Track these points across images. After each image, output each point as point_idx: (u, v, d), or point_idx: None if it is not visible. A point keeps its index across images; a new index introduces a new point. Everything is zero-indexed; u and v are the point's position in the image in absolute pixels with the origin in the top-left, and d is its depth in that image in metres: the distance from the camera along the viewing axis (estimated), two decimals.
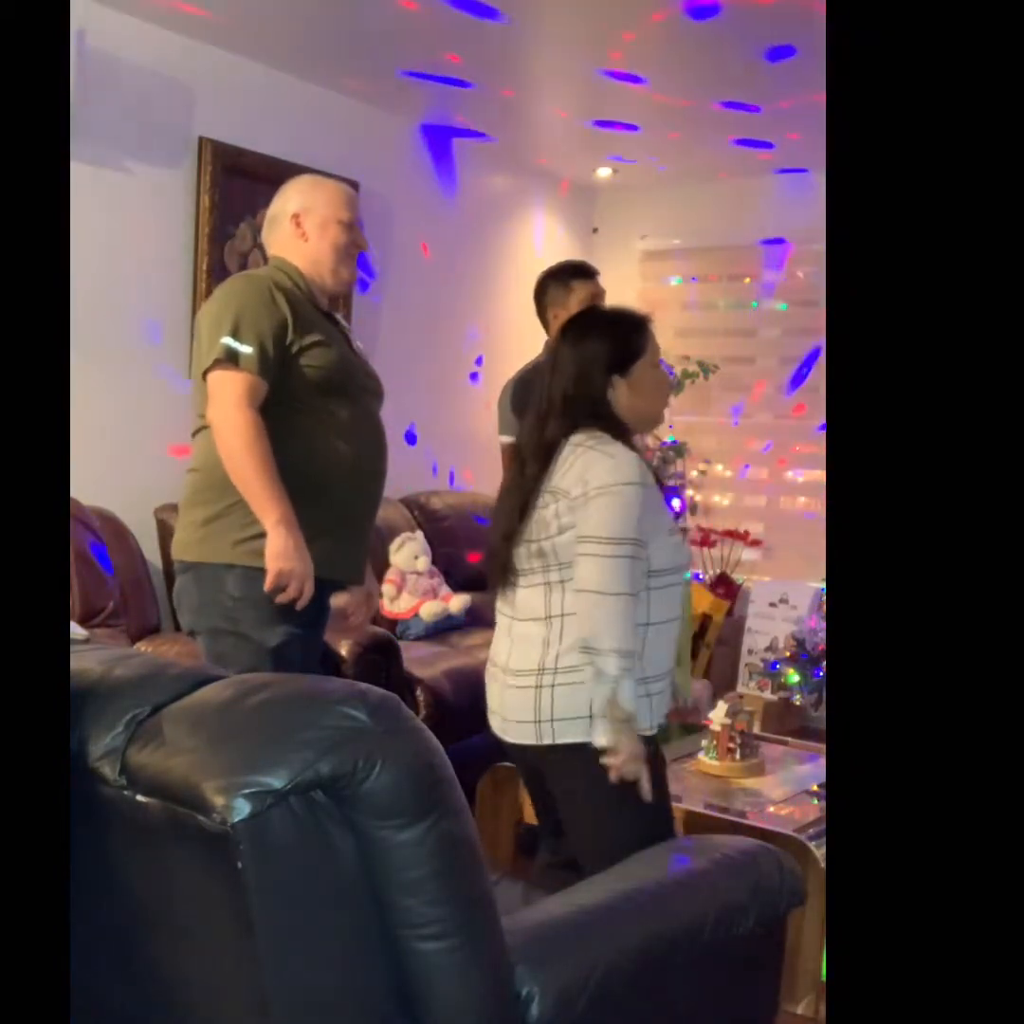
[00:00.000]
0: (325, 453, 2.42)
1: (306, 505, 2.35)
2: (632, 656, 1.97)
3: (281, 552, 2.27)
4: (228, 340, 2.33)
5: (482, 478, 4.86)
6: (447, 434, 5.01)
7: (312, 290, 2.52)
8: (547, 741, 2.07)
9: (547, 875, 2.25)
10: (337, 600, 2.62)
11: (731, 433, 5.32)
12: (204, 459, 2.42)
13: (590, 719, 1.99)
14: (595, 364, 2.11)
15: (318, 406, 2.43)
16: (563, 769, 2.09)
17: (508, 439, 3.29)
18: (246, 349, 2.32)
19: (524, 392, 3.36)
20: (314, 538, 2.36)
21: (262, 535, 2.30)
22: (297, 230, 2.52)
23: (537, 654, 2.08)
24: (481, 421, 5.04)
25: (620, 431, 2.11)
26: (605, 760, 1.95)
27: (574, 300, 3.44)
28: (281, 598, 2.30)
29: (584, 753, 1.99)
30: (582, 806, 2.11)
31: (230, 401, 2.32)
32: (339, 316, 2.64)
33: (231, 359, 2.32)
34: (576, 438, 2.09)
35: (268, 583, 2.28)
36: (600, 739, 1.95)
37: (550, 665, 2.07)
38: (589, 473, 2.04)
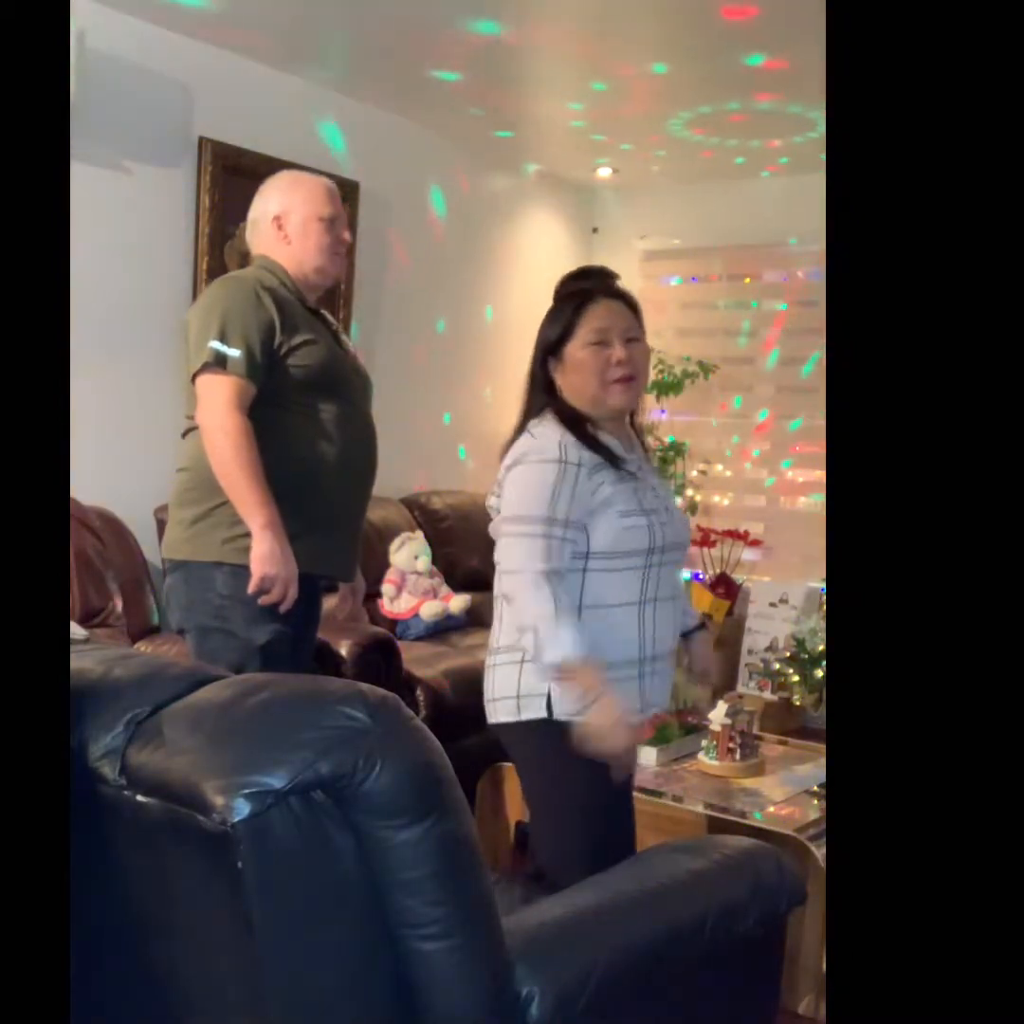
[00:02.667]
0: (314, 451, 2.43)
1: (295, 502, 2.36)
2: (550, 634, 1.91)
3: (266, 556, 2.29)
4: (215, 343, 2.33)
5: (481, 476, 4.86)
6: (447, 433, 5.01)
7: (300, 288, 2.52)
8: (491, 720, 2.12)
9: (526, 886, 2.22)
10: (327, 602, 2.64)
11: (731, 433, 5.32)
12: (193, 459, 2.43)
13: (517, 699, 2.04)
14: (536, 349, 2.15)
15: (307, 404, 2.43)
16: (508, 747, 2.16)
17: None
18: (233, 352, 2.33)
19: None
20: (303, 535, 2.37)
21: (251, 533, 2.32)
22: (279, 233, 2.52)
23: (493, 635, 2.15)
24: (481, 420, 5.05)
25: (568, 415, 2.09)
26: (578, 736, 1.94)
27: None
28: (264, 600, 2.33)
29: (515, 731, 2.06)
30: (524, 785, 2.18)
31: (218, 404, 2.33)
32: (327, 313, 2.64)
33: (219, 362, 2.33)
34: (530, 424, 2.13)
35: (251, 586, 2.31)
36: (563, 715, 1.99)
37: (493, 644, 2.13)
38: (511, 454, 2.08)
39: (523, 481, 2.02)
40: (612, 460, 2.07)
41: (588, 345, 2.08)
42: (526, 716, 2.04)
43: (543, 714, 2.02)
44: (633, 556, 2.04)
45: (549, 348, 2.12)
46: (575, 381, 2.10)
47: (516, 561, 1.98)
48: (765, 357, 5.28)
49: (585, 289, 2.13)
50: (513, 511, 2.01)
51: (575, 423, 2.09)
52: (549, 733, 2.01)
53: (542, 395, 2.13)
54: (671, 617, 2.13)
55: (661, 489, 2.19)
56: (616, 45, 3.63)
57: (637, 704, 2.06)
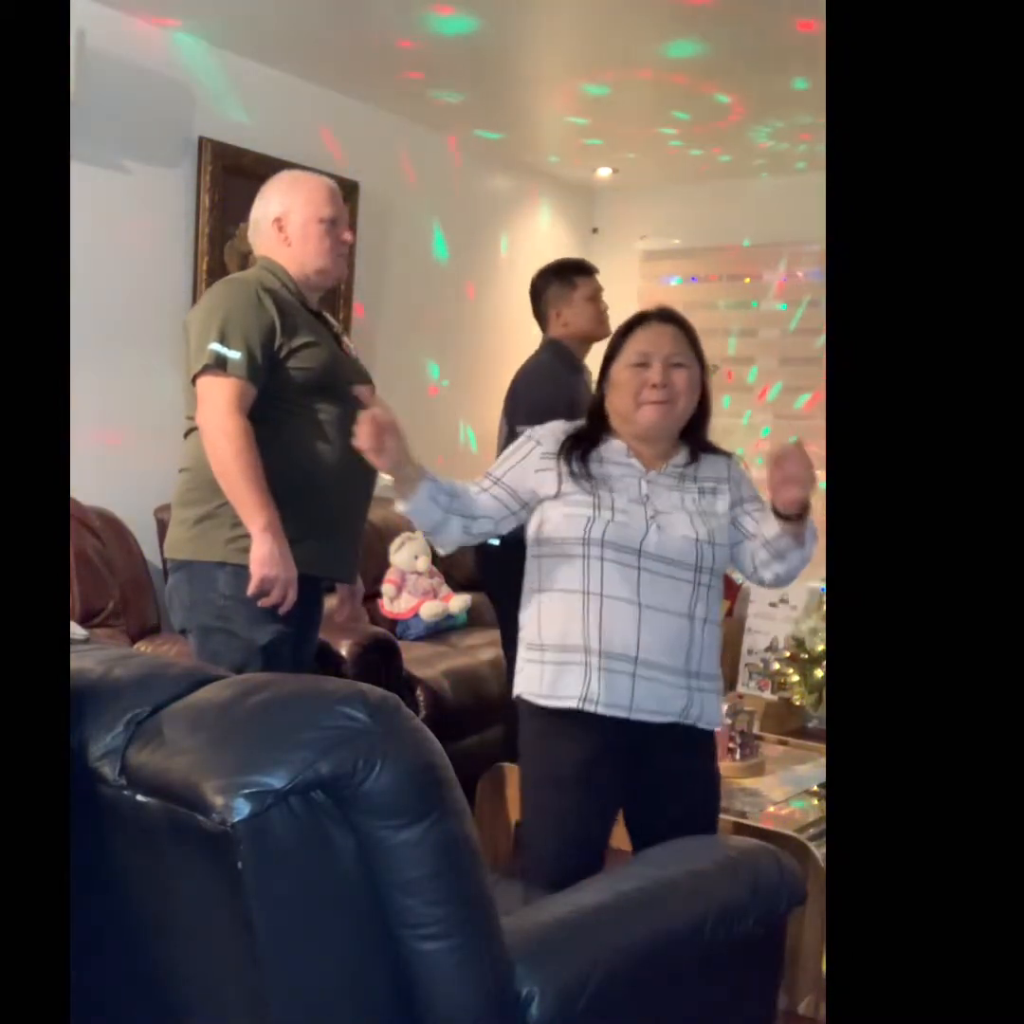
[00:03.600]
0: (314, 453, 2.43)
1: (296, 505, 2.37)
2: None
3: (266, 558, 2.29)
4: (216, 346, 2.33)
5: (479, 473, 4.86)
6: (448, 433, 5.01)
7: (301, 290, 2.52)
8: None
9: None
10: (328, 603, 2.64)
11: (731, 433, 5.31)
12: (195, 459, 2.43)
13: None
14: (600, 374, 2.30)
15: (308, 406, 2.43)
16: None
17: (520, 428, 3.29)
18: (234, 354, 2.33)
19: (533, 391, 3.37)
20: (304, 537, 2.37)
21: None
22: (280, 234, 2.52)
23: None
24: (481, 420, 5.05)
25: (594, 423, 2.25)
26: None
27: (579, 297, 3.45)
28: (264, 602, 2.33)
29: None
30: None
31: (219, 407, 2.33)
32: (328, 315, 2.64)
33: (219, 364, 2.33)
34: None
35: (251, 588, 2.31)
36: (521, 693, 2.22)
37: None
38: None
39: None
40: (574, 461, 2.18)
41: (629, 366, 2.20)
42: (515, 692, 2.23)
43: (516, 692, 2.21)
44: (566, 544, 2.13)
45: (603, 372, 2.26)
46: (614, 400, 2.22)
47: None
48: (765, 357, 5.28)
49: (640, 314, 2.26)
50: None
51: (594, 431, 2.24)
52: (520, 711, 2.22)
53: (593, 408, 2.28)
54: (632, 620, 2.11)
55: (666, 503, 2.17)
56: (617, 45, 3.63)
57: (578, 691, 2.10)
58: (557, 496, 2.15)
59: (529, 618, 2.22)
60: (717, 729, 2.26)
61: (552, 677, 2.14)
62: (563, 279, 3.47)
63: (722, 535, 2.18)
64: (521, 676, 2.21)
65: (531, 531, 2.22)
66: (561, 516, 2.14)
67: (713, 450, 2.33)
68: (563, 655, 2.13)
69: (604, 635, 2.10)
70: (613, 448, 2.21)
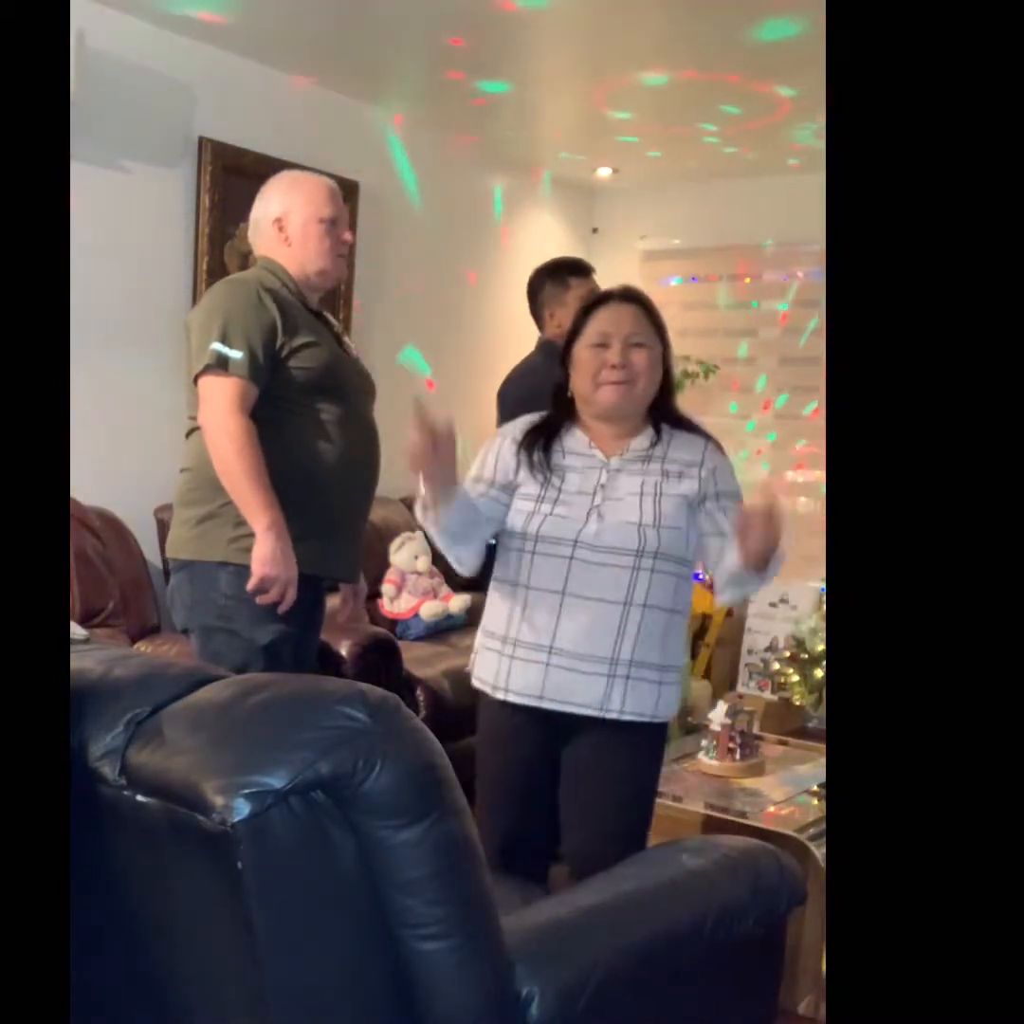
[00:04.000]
0: (316, 452, 2.43)
1: (297, 504, 2.37)
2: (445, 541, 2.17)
3: (267, 557, 2.29)
4: (217, 345, 2.33)
5: None
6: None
7: (301, 290, 2.52)
8: None
9: None
10: (329, 603, 2.64)
11: (731, 433, 5.31)
12: (197, 459, 2.43)
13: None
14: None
15: (309, 406, 2.43)
16: None
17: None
18: (235, 354, 2.33)
19: (516, 389, 3.37)
20: (305, 536, 2.37)
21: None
22: (280, 234, 2.52)
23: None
24: (481, 419, 5.05)
25: (558, 409, 2.27)
26: None
27: (572, 297, 3.44)
28: (262, 599, 2.33)
29: None
30: None
31: (221, 406, 2.33)
32: (329, 315, 2.64)
33: (220, 364, 2.33)
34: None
35: (250, 586, 2.31)
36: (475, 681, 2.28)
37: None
38: None
39: None
40: (534, 454, 2.20)
41: (589, 346, 2.19)
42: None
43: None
44: (521, 539, 2.16)
45: (564, 351, 2.25)
46: (575, 379, 2.23)
47: None
48: (765, 357, 5.28)
49: (603, 294, 2.26)
50: None
51: (559, 416, 2.26)
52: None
53: (558, 396, 2.28)
54: (552, 610, 2.11)
55: (622, 489, 2.14)
56: (617, 46, 3.63)
57: (491, 678, 2.19)
58: (516, 490, 2.20)
59: (486, 605, 2.28)
60: (665, 720, 2.18)
61: (481, 662, 2.24)
62: (557, 279, 3.47)
63: (675, 519, 2.12)
64: (474, 658, 2.30)
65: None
66: (514, 511, 2.18)
67: (688, 427, 2.26)
68: (489, 641, 2.22)
69: (524, 625, 2.14)
70: (576, 439, 2.22)
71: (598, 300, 2.25)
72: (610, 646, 2.11)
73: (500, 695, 2.17)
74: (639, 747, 2.17)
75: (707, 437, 2.25)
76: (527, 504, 2.17)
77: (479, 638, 2.28)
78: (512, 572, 2.17)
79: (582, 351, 2.20)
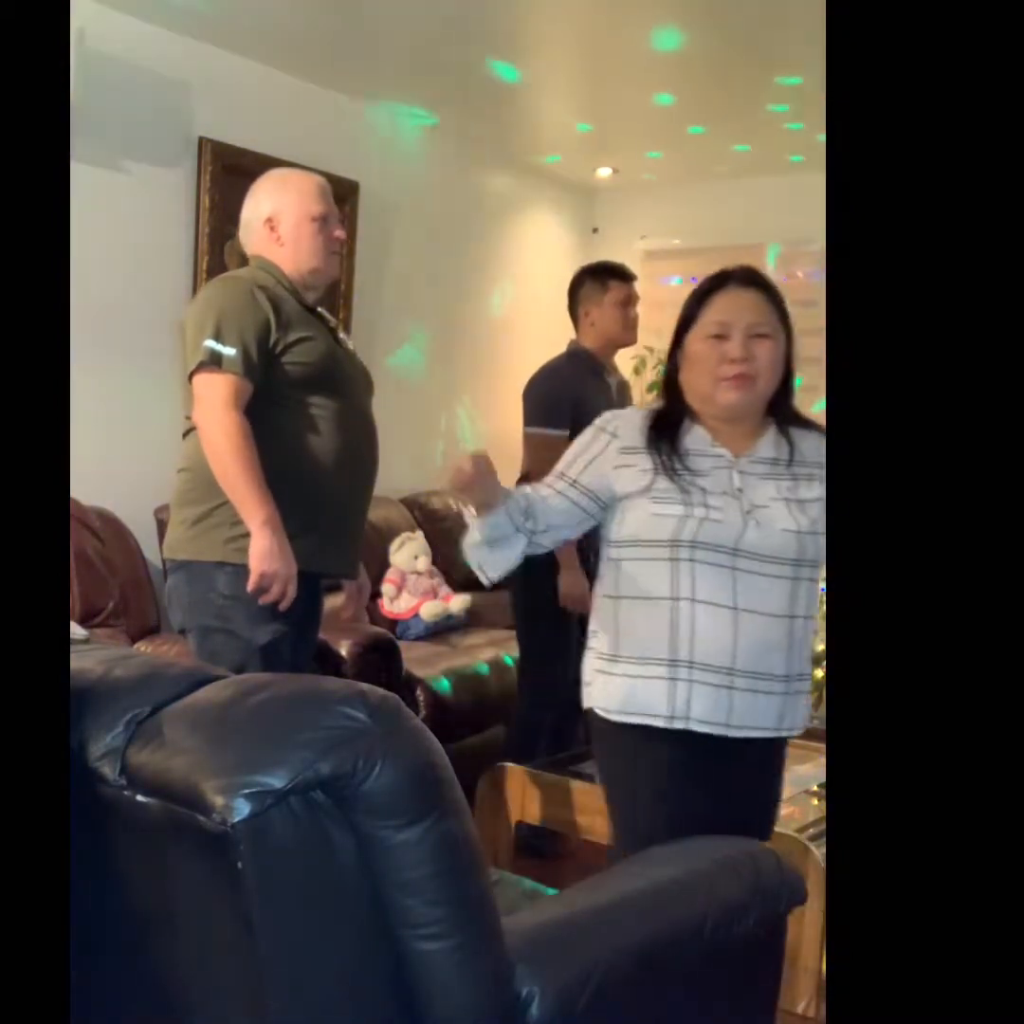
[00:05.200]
0: (312, 448, 2.42)
1: (294, 500, 2.36)
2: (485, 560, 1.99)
3: (265, 554, 2.29)
4: (211, 343, 2.33)
5: None
6: (448, 433, 5.01)
7: (296, 287, 2.52)
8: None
9: None
10: (330, 602, 2.63)
11: None
12: (194, 459, 2.43)
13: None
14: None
15: (305, 402, 2.43)
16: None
17: (536, 430, 3.30)
18: (229, 351, 2.33)
19: (535, 388, 3.38)
20: (303, 533, 2.37)
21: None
22: (272, 234, 2.52)
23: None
24: (481, 419, 5.05)
25: (672, 403, 2.05)
26: None
27: (608, 300, 3.47)
28: (264, 599, 2.32)
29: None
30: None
31: (215, 403, 2.33)
32: (325, 312, 2.64)
33: (214, 361, 2.33)
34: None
35: (250, 584, 2.31)
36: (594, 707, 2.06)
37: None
38: None
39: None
40: (664, 453, 1.98)
41: (706, 338, 1.97)
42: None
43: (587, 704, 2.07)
44: (653, 546, 1.94)
45: (675, 339, 2.02)
46: (689, 376, 2.01)
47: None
48: None
49: (719, 276, 2.01)
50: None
51: (665, 416, 2.03)
52: (593, 727, 2.08)
53: (669, 386, 2.06)
54: (728, 627, 1.92)
55: (762, 494, 1.97)
56: (618, 46, 3.64)
57: (663, 709, 1.93)
58: (643, 493, 1.95)
59: (602, 626, 2.03)
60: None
61: (629, 691, 1.96)
62: (597, 280, 3.51)
63: (821, 524, 1.94)
64: (593, 689, 2.03)
65: (609, 533, 2.03)
66: (648, 516, 1.94)
67: (804, 423, 2.07)
68: (645, 668, 1.95)
69: (698, 644, 1.91)
70: (697, 437, 2.00)
71: (714, 284, 1.99)
72: (783, 663, 1.95)
73: (679, 725, 1.93)
74: (783, 759, 2.13)
75: (821, 430, 2.05)
76: (672, 508, 1.93)
77: (606, 663, 2.01)
78: (665, 584, 1.93)
79: (697, 343, 1.97)
